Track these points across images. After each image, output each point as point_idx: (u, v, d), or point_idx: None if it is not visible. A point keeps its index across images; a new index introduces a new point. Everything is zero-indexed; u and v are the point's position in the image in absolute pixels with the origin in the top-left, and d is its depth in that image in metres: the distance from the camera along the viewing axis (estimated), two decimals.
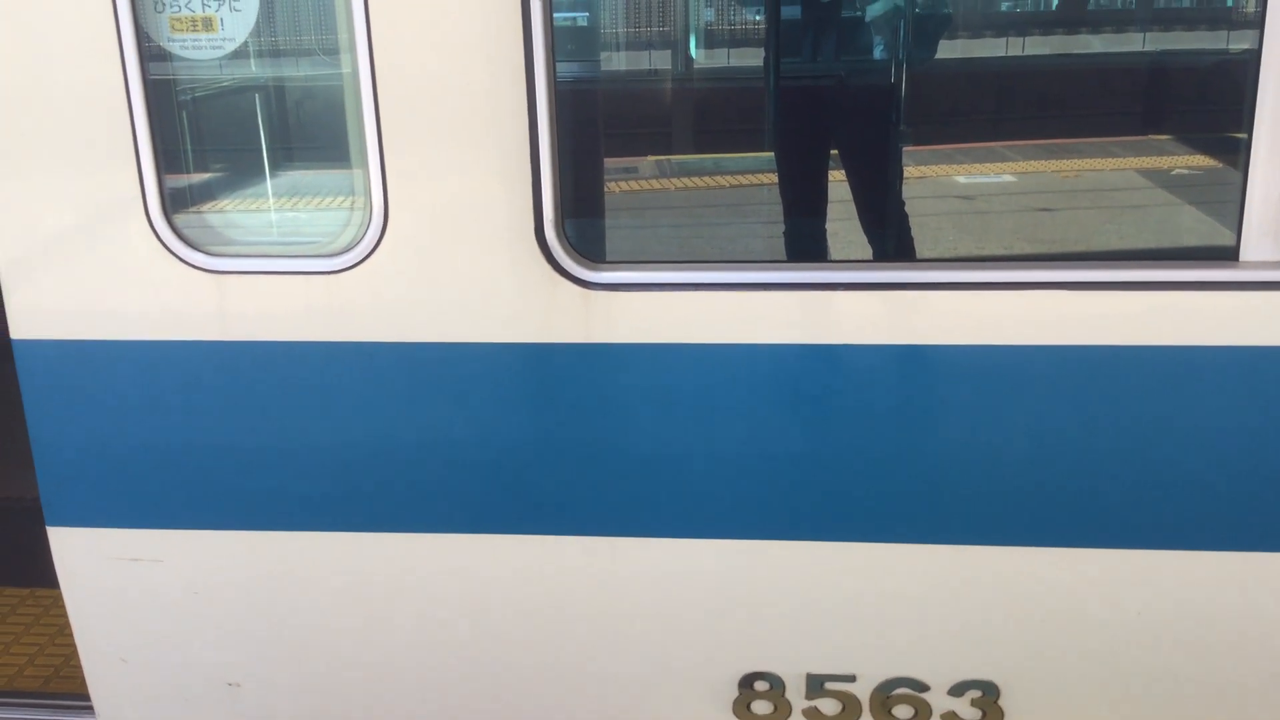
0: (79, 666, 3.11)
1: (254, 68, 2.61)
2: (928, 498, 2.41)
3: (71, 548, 2.66)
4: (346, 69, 2.38)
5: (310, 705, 2.77)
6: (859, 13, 3.88)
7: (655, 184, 3.79)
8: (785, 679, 2.58)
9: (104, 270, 2.46)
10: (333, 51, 2.44)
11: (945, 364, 2.33)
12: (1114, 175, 4.42)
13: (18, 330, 2.50)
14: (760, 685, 2.59)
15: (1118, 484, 2.35)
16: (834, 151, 3.82)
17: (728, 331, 2.36)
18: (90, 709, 2.88)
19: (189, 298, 2.44)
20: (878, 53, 3.90)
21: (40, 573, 3.57)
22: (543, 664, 2.66)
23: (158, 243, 2.42)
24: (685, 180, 4.03)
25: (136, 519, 2.61)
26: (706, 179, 4.12)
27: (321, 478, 2.54)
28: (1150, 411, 2.30)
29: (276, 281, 2.43)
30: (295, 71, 2.69)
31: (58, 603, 3.46)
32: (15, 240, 2.46)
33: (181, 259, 2.43)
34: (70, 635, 3.28)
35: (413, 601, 2.63)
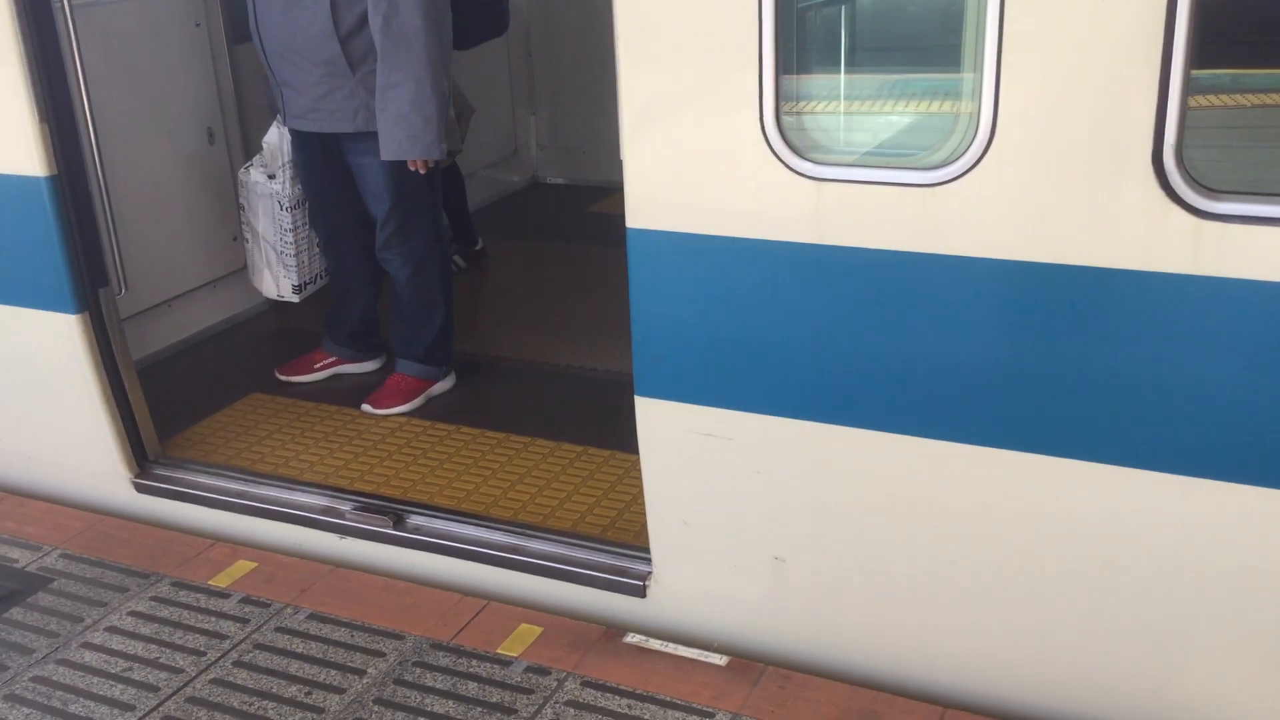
0: (631, 521, 3.51)
1: None
2: None
3: (655, 417, 2.97)
4: None
5: (848, 589, 2.95)
6: None
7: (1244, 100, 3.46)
8: None
9: (714, 169, 2.67)
10: None
11: None
12: None
13: (633, 219, 2.79)
14: None
15: None
16: None
17: None
18: (642, 558, 3.24)
19: (790, 201, 2.61)
20: None
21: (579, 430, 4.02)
22: (1094, 601, 2.67)
23: (766, 148, 2.59)
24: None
25: (715, 398, 2.87)
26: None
27: (892, 382, 2.67)
28: None
29: (874, 191, 2.54)
30: None
31: (609, 461, 3.89)
32: (639, 133, 2.73)
33: (787, 164, 2.59)
34: (621, 492, 3.70)
35: (964, 514, 2.72)
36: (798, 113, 2.68)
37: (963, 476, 2.69)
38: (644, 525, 3.17)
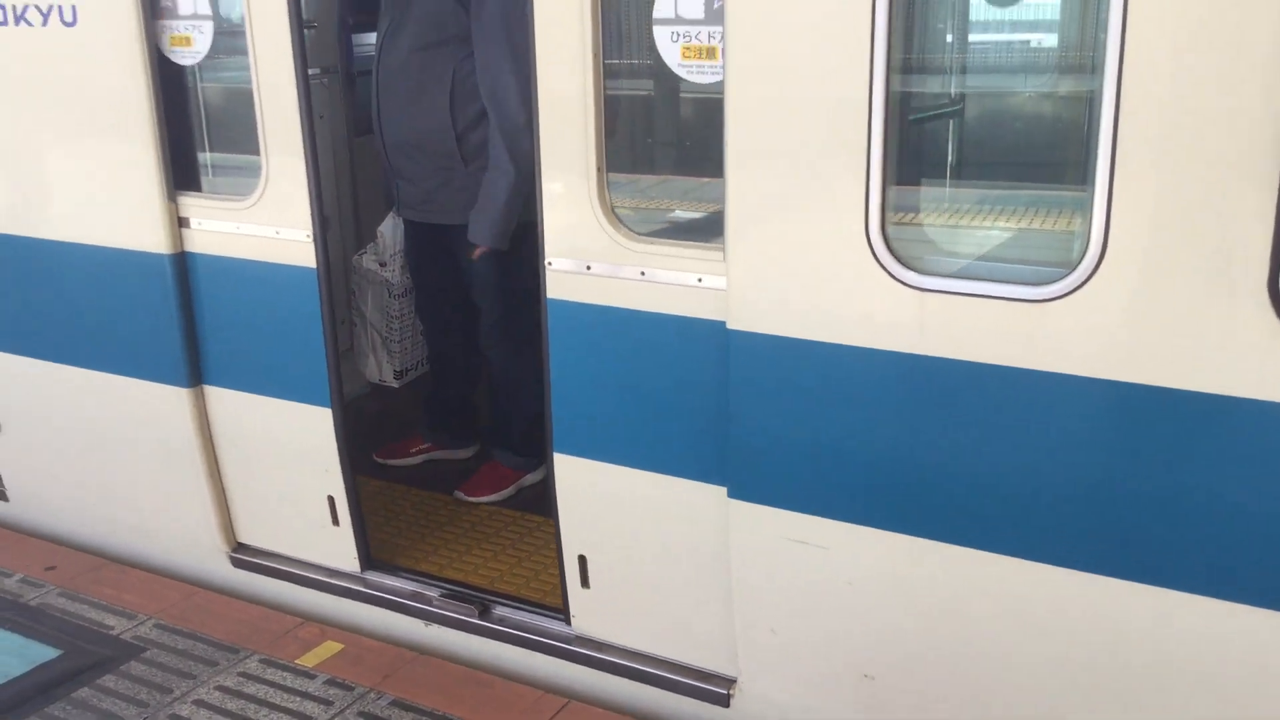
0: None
1: (972, 87, 2.71)
2: None
3: (748, 521, 2.94)
4: (1074, 88, 2.40)
5: (939, 713, 2.85)
6: None
7: None
8: None
9: (818, 274, 2.67)
10: (1067, 70, 2.47)
11: None
12: None
13: (735, 321, 2.80)
14: None
15: None
16: None
17: None
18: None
19: (892, 310, 2.60)
20: None
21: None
22: None
23: (870, 256, 2.59)
24: None
25: (810, 505, 2.83)
26: None
27: (991, 499, 2.61)
28: None
29: (978, 304, 2.52)
30: (1013, 90, 2.76)
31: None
32: (744, 236, 2.75)
33: (890, 273, 2.58)
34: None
35: (1063, 639, 2.63)
36: (903, 222, 2.68)
37: (1064, 601, 2.60)
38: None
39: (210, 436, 3.92)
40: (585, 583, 3.32)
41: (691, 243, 2.93)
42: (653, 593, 3.24)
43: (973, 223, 2.88)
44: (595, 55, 2.83)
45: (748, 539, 2.96)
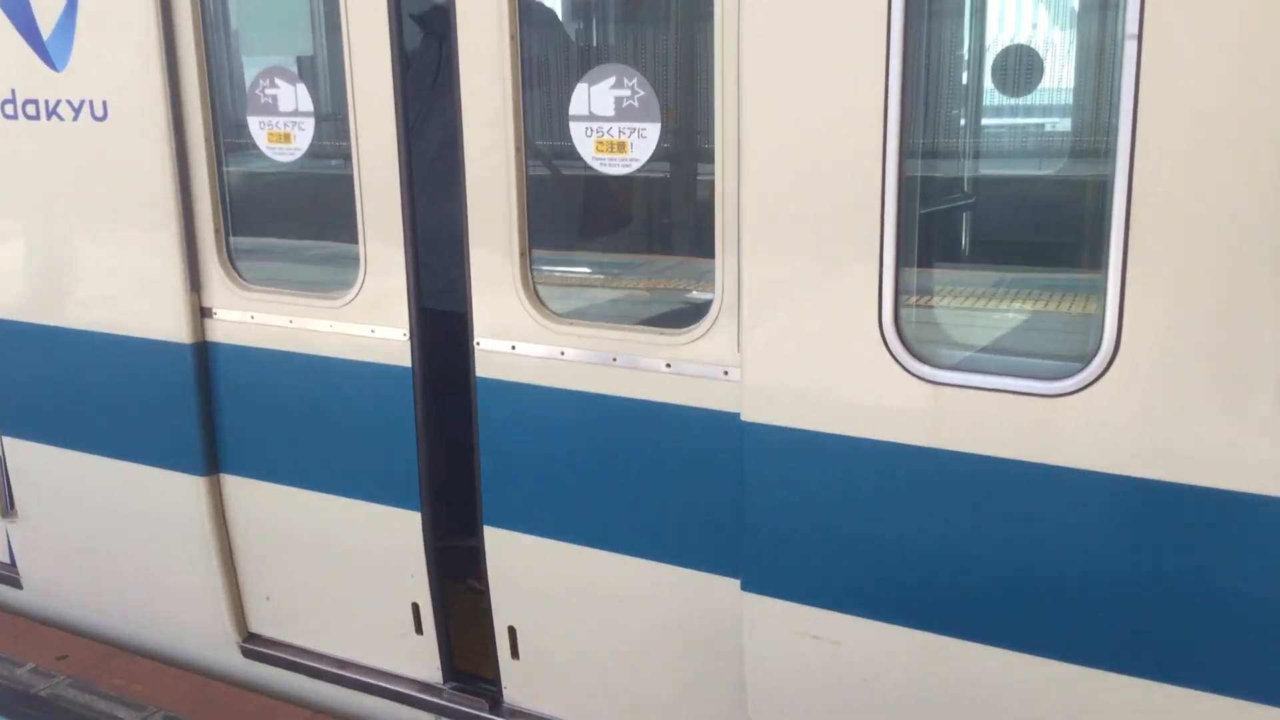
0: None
1: (986, 171, 2.71)
2: None
3: (761, 614, 2.88)
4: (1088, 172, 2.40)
5: None
6: None
7: None
8: None
9: (831, 367, 2.65)
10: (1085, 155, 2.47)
11: None
12: None
13: (749, 413, 2.78)
14: None
15: None
16: None
17: None
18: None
19: (906, 403, 2.58)
20: None
21: None
22: None
23: (884, 349, 2.58)
24: None
25: (823, 599, 2.78)
26: None
27: (1005, 596, 2.55)
28: None
29: (992, 398, 2.49)
30: (1027, 175, 2.76)
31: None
32: (757, 328, 2.73)
33: (904, 367, 2.56)
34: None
35: None
36: (916, 311, 2.67)
37: (1079, 699, 2.53)
38: None
39: (233, 529, 3.89)
40: (515, 654, 3.38)
41: (606, 323, 3.03)
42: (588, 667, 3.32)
43: (988, 306, 2.86)
44: (518, 149, 2.98)
45: (761, 632, 2.90)
